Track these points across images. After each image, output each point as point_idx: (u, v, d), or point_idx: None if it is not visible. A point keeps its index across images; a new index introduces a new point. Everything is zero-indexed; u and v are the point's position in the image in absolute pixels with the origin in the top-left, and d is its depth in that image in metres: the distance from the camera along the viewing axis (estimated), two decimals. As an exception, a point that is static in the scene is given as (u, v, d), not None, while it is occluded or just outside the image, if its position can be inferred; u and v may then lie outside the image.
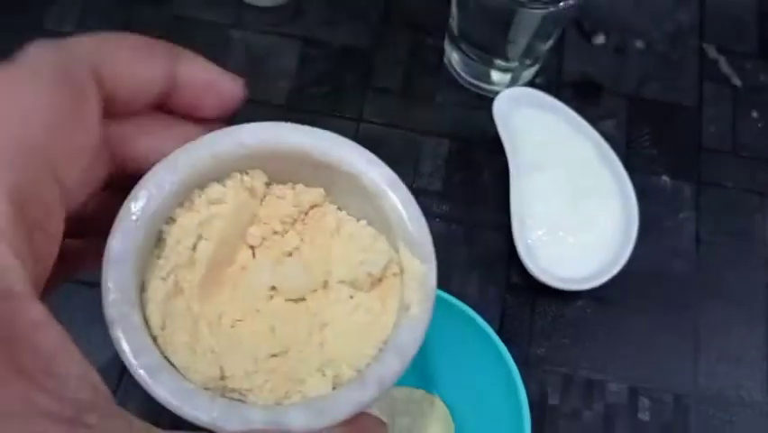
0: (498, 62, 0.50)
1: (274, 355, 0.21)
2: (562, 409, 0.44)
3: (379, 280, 0.23)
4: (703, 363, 0.46)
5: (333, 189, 0.24)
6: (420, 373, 0.43)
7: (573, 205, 0.46)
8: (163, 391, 0.19)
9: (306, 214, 0.24)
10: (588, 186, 0.47)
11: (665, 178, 0.50)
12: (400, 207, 0.22)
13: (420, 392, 0.43)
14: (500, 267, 0.47)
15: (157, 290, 0.21)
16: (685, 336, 0.46)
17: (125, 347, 0.19)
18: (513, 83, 0.51)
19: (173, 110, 0.22)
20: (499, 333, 0.45)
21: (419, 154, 0.50)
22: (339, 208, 0.24)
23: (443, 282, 0.41)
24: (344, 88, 0.52)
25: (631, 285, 0.47)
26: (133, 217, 0.20)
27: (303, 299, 0.23)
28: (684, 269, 0.48)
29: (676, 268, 0.48)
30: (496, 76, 0.51)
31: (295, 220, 0.23)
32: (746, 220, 0.49)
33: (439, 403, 0.43)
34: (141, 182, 0.21)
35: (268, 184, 0.24)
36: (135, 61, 0.20)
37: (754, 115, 0.52)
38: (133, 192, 0.21)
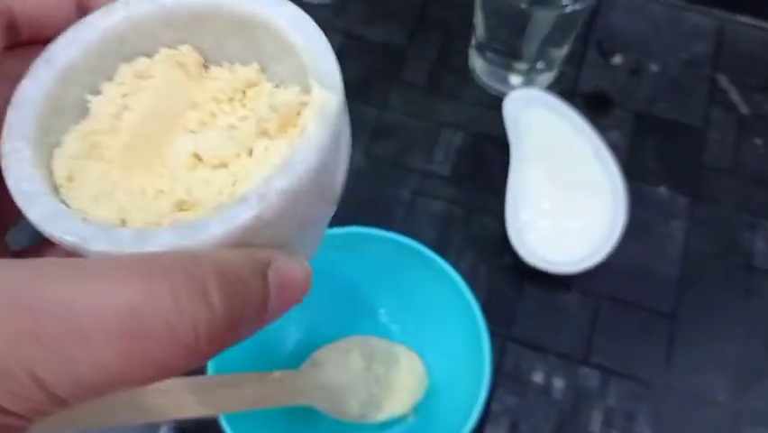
0: (516, 65, 0.53)
1: (181, 210, 0.20)
2: (534, 383, 0.46)
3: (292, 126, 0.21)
4: (677, 361, 0.47)
5: (264, 57, 0.22)
6: (402, 329, 0.47)
7: (565, 195, 0.49)
8: (36, 212, 0.18)
9: (245, 94, 0.23)
10: (581, 180, 0.49)
11: (663, 188, 0.52)
12: (308, 46, 0.20)
13: (400, 346, 0.46)
14: (494, 249, 0.50)
15: (70, 146, 0.21)
16: (662, 334, 0.48)
17: (10, 174, 0.19)
18: (528, 87, 0.55)
19: None
20: (485, 309, 0.48)
21: (434, 142, 0.54)
22: (276, 85, 0.22)
23: (441, 254, 0.45)
24: (374, 79, 0.56)
25: (617, 281, 0.49)
26: (44, 66, 0.20)
27: (225, 166, 0.21)
28: (669, 272, 0.50)
29: (662, 270, 0.50)
30: (513, 80, 0.55)
31: (232, 99, 0.22)
32: (736, 236, 0.51)
33: (416, 359, 0.45)
34: (57, 38, 0.21)
35: (205, 67, 0.23)
36: None
37: (758, 141, 0.54)
38: (48, 46, 0.20)
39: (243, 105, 0.22)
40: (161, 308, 0.14)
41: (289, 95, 0.21)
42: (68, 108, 0.21)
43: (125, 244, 0.17)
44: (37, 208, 0.18)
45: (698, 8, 0.58)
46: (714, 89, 0.56)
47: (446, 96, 0.56)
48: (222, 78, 0.22)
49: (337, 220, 0.51)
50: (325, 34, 0.21)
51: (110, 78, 0.22)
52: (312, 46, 0.20)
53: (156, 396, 0.35)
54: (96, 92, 0.21)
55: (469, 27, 0.55)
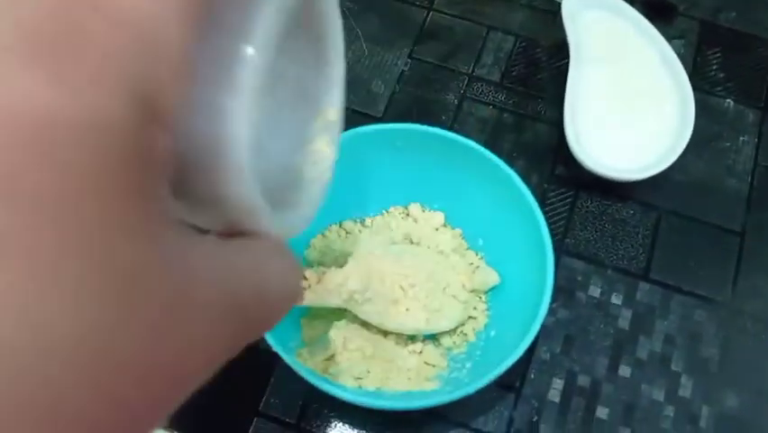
0: (575, -35, 0.47)
1: None
2: (590, 298, 0.41)
3: None
4: (745, 281, 0.41)
5: None
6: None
7: (628, 101, 0.43)
8: None
9: None
10: (645, 86, 0.43)
11: (729, 101, 0.46)
12: None
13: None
14: (547, 158, 0.44)
15: None
16: (729, 252, 0.42)
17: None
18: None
19: None
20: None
21: (483, 46, 0.48)
22: None
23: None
24: (420, -21, 0.50)
25: (679, 194, 0.43)
26: None
27: None
28: (737, 188, 0.44)
29: (729, 186, 0.44)
30: (570, -19, 0.48)
31: None
32: (810, 152, 0.45)
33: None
34: None
35: None
36: None
37: (833, 55, 0.47)
38: None
39: None
40: None
41: None
42: None
43: None
44: None
45: None
46: (786, 0, 0.49)
47: None
48: None
49: (380, 122, 0.44)
50: None
51: None
52: None
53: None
54: None
55: (523, -74, 0.49)
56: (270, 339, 0.33)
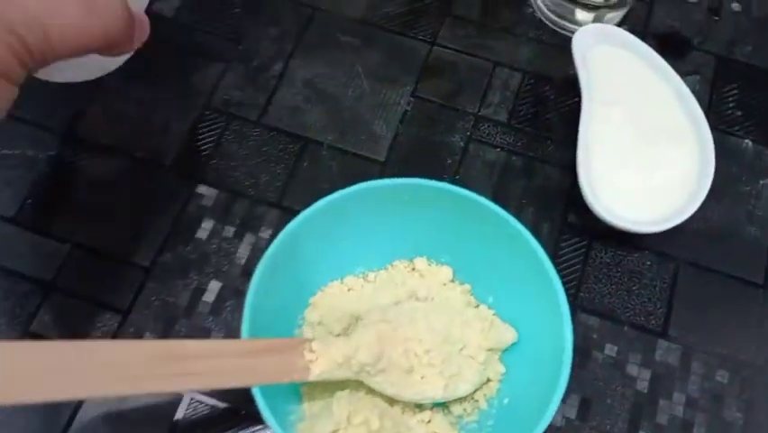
0: (585, -2, 0.44)
1: None
2: (606, 357, 0.38)
3: None
4: (768, 337, 0.39)
5: None
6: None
7: (645, 144, 0.40)
8: None
9: None
10: (662, 128, 0.41)
11: (747, 141, 0.44)
12: None
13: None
14: (558, 205, 0.42)
15: None
16: (750, 305, 0.40)
17: None
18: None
19: None
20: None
21: (489, 84, 0.45)
22: None
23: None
24: (423, 12, 0.47)
25: (697, 243, 0.41)
26: None
27: None
28: (758, 236, 0.41)
29: (749, 234, 0.41)
30: (580, 15, 0.46)
31: None
32: (833, 197, 0.42)
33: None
34: None
35: None
36: None
37: None
38: None
39: None
40: None
41: None
42: None
43: None
44: None
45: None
46: (804, 33, 0.47)
47: (502, 33, 0.47)
48: None
49: (382, 167, 0.42)
50: None
51: None
52: None
53: (194, 363, 0.28)
54: None
55: (530, -45, 0.46)
56: (267, 413, 0.30)
